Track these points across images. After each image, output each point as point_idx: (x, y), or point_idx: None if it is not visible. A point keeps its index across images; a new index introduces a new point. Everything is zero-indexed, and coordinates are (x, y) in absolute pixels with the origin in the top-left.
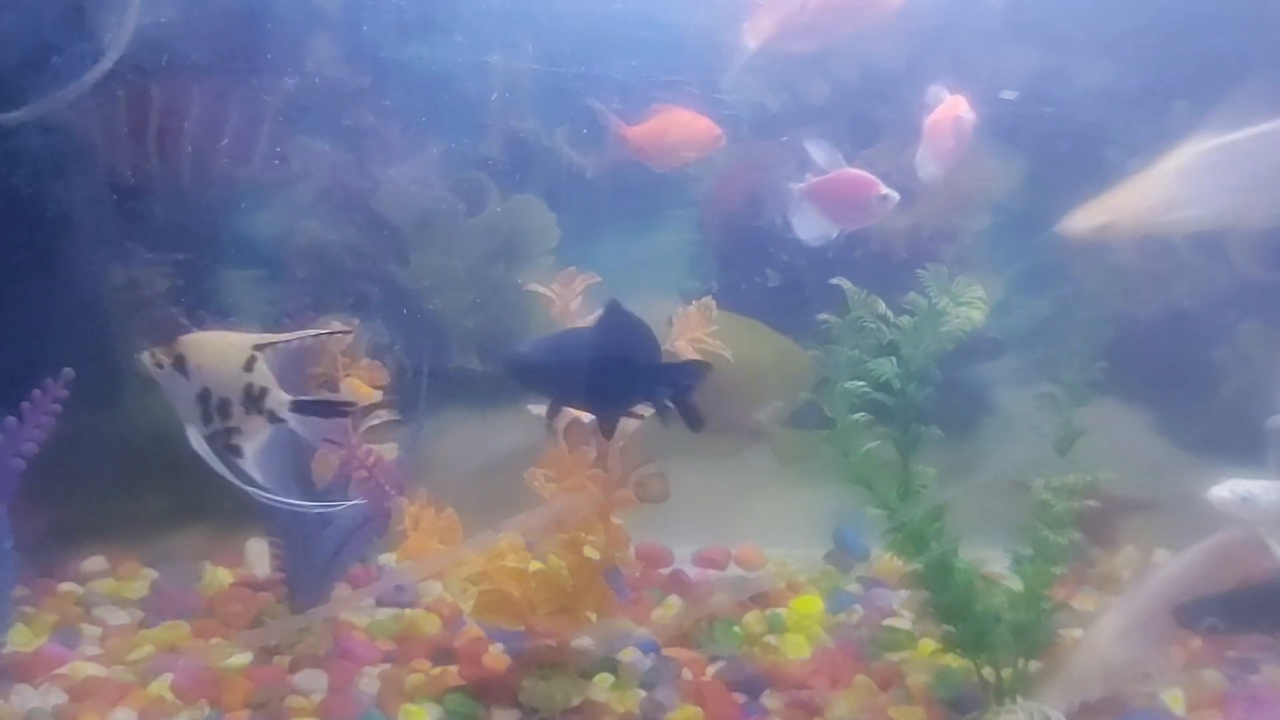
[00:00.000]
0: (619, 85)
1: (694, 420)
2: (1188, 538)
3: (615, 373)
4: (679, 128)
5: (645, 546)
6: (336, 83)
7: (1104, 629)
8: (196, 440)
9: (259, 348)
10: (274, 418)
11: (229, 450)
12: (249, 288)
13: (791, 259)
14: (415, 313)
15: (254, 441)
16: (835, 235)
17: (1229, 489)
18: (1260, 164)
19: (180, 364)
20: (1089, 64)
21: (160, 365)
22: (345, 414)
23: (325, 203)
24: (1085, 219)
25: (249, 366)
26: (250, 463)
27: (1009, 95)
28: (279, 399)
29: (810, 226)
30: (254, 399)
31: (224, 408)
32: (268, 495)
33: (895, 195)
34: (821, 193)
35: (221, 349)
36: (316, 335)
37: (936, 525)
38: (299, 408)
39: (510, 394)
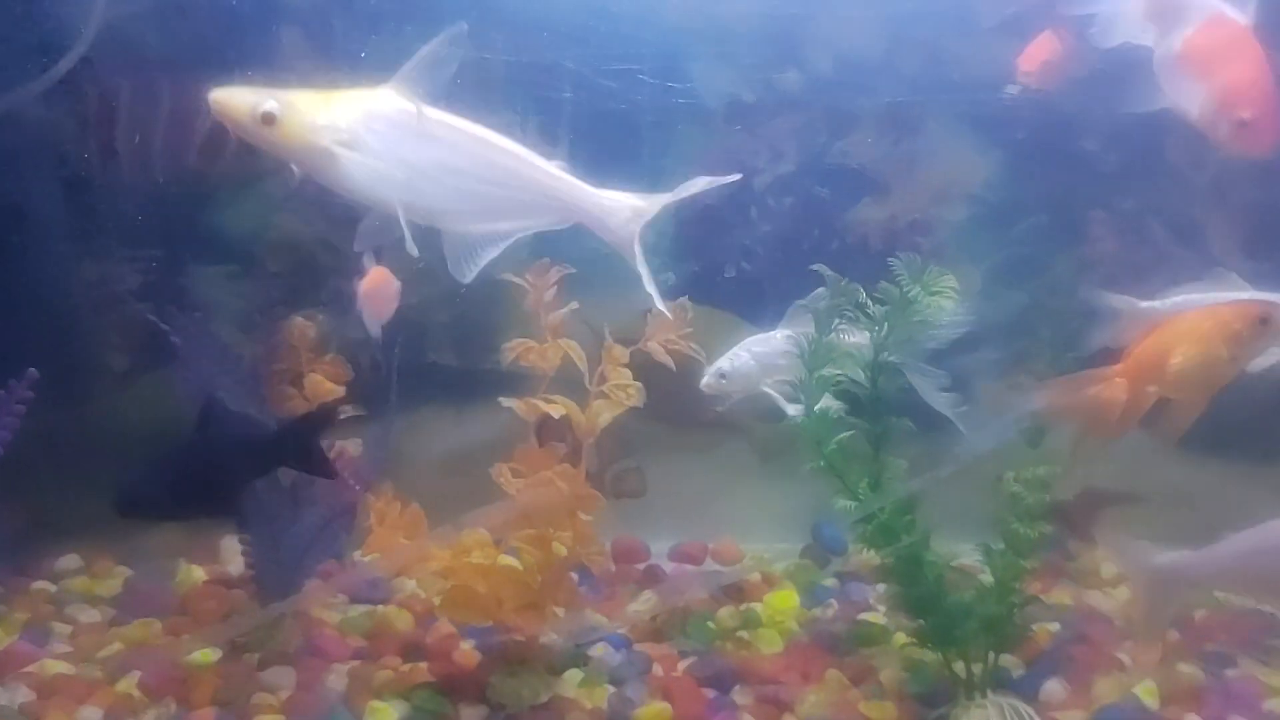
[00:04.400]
0: (570, 74)
1: (321, 471)
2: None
3: (227, 465)
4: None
5: (621, 541)
6: (307, 76)
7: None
8: None
9: None
10: None
11: None
12: (221, 283)
13: (766, 251)
14: None
15: None
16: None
17: (709, 377)
18: None
19: None
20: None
21: None
22: None
23: (297, 197)
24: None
25: None
26: None
27: (1013, 90)
28: None
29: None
30: None
31: None
32: None
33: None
34: None
35: None
36: None
37: (907, 518)
38: None
39: (485, 388)
